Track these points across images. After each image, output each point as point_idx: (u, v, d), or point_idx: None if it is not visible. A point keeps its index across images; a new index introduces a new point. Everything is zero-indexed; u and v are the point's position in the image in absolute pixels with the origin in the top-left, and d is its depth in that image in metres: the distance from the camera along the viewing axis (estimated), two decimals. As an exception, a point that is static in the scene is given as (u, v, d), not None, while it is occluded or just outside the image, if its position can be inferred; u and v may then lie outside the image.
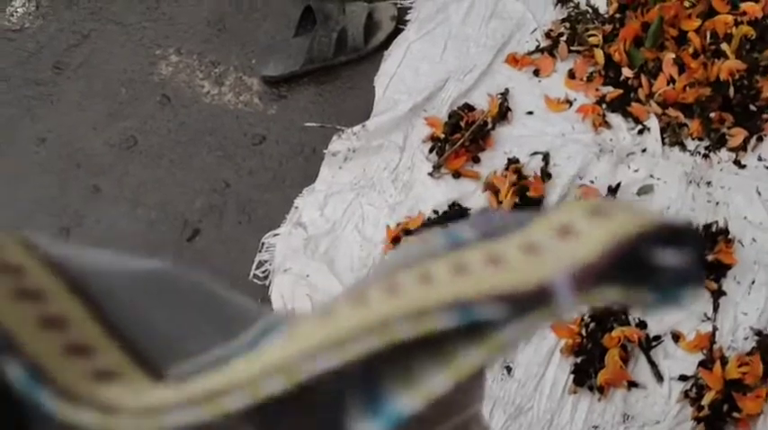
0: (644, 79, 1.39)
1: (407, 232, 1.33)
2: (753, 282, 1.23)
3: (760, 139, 1.34)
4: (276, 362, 0.22)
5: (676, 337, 1.20)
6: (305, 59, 1.59)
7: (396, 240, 1.33)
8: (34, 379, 0.21)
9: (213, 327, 0.27)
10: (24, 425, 0.23)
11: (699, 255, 0.24)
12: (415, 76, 1.55)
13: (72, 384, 0.22)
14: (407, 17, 1.64)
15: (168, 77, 1.69)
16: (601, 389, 1.17)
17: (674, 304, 0.24)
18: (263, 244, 1.41)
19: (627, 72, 1.41)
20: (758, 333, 1.18)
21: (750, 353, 1.16)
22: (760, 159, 1.33)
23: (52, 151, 1.62)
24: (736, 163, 1.33)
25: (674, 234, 0.24)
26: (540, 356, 1.22)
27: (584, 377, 1.19)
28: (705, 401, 1.12)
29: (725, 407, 1.11)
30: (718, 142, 1.35)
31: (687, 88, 1.36)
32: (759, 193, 1.30)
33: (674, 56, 1.39)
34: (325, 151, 1.49)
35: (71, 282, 0.24)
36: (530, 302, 0.22)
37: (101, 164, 1.59)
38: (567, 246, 0.23)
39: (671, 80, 1.38)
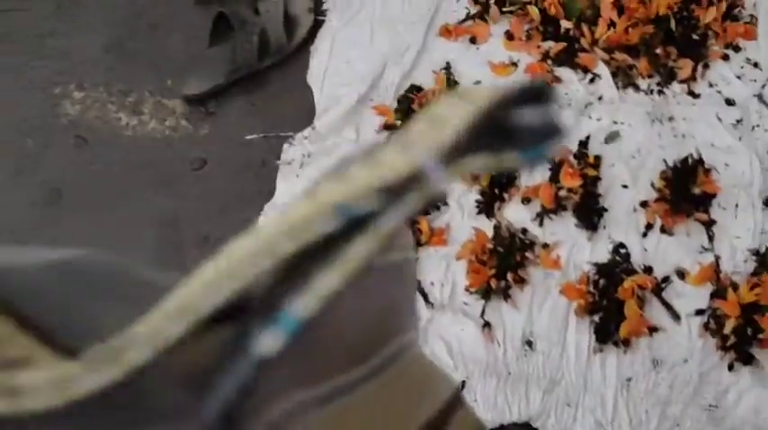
0: (584, 27, 1.39)
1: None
2: (736, 206, 1.25)
3: (706, 66, 1.36)
4: (180, 304, 0.23)
5: (681, 275, 1.21)
6: (229, 70, 1.49)
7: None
8: None
9: (125, 306, 0.27)
10: None
11: (553, 108, 0.26)
12: (349, 65, 1.48)
13: None
14: (324, 6, 1.56)
15: (78, 116, 1.53)
16: (625, 342, 1.17)
17: (539, 157, 0.26)
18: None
19: (566, 23, 1.40)
20: (755, 253, 1.21)
21: (755, 274, 1.18)
22: (711, 86, 1.36)
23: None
24: (691, 93, 1.35)
25: (527, 94, 0.25)
26: (557, 322, 1.20)
27: (605, 334, 1.18)
28: (727, 330, 1.14)
29: (749, 331, 1.14)
30: (669, 76, 1.36)
31: (629, 29, 1.36)
32: (720, 119, 1.32)
33: (610, -1, 1.39)
34: (278, 162, 1.40)
35: None
36: (402, 188, 0.24)
37: (27, 228, 1.42)
38: (434, 133, 0.25)
39: (611, 24, 1.38)
